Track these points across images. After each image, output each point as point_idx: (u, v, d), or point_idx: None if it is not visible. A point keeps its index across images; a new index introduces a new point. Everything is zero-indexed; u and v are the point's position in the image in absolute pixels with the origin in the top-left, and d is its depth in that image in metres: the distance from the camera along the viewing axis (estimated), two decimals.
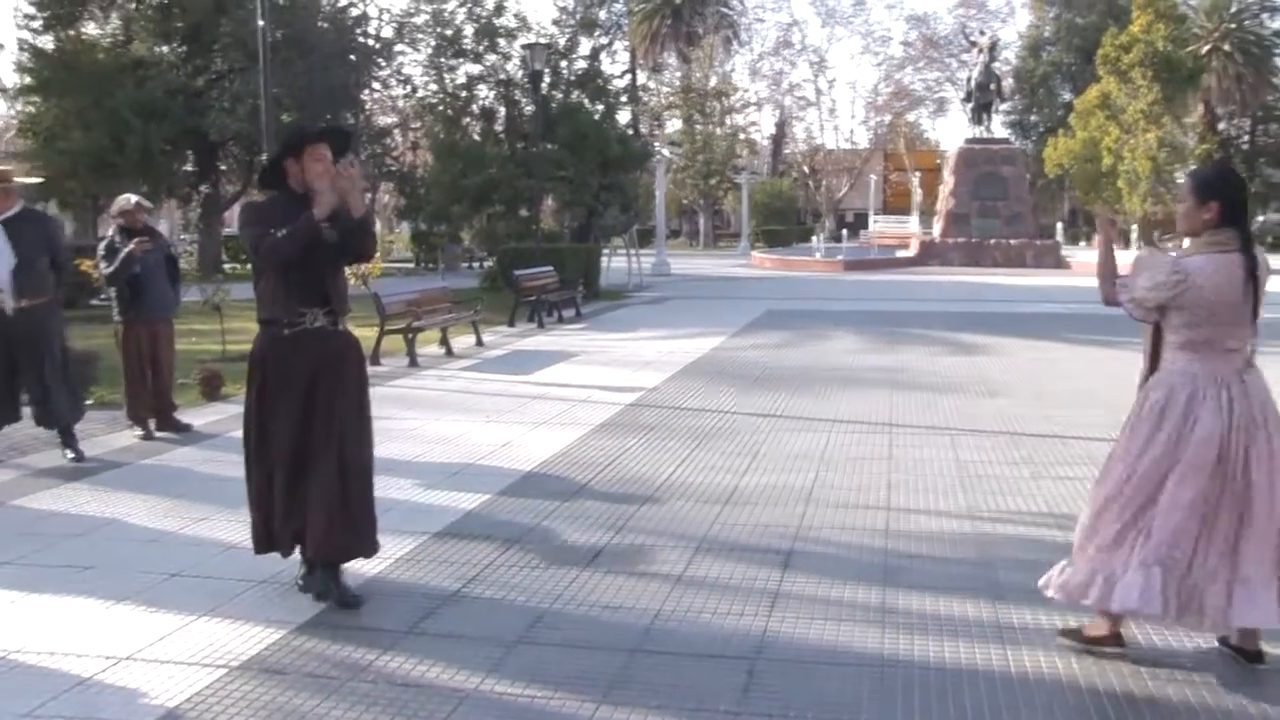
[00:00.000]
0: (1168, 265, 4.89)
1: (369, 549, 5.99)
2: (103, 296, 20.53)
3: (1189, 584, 4.79)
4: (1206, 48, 68.92)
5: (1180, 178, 53.83)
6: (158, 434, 10.53)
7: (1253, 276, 4.83)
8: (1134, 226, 61.96)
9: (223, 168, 43.33)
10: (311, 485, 5.77)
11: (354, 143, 48.41)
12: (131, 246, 10.07)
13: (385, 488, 8.34)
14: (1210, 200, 4.91)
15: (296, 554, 6.00)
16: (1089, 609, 5.10)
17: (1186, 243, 5.18)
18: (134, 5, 39.82)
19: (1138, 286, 4.97)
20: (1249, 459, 4.80)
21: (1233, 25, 71.47)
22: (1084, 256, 48.38)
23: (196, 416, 11.33)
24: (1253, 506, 4.79)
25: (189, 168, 41.80)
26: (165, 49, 39.44)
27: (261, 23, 15.30)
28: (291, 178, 5.92)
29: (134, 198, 10.64)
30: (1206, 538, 4.80)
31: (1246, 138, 76.33)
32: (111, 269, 10.20)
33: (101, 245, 10.60)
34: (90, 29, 41.01)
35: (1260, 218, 69.92)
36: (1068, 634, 5.23)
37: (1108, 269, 5.32)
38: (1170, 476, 4.84)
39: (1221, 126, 74.36)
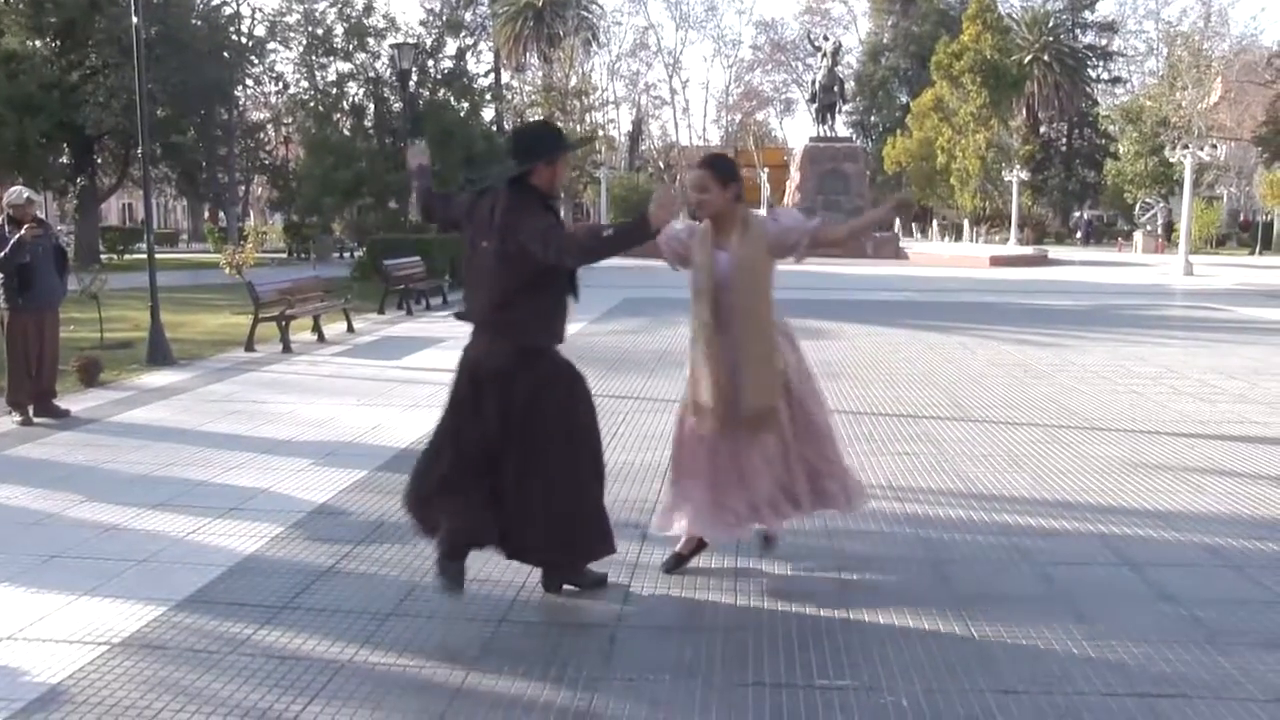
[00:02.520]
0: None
1: None
2: None
3: None
4: (1029, 57, 70.87)
5: (1008, 176, 55.39)
6: (36, 420, 10.26)
7: None
8: (965, 220, 63.57)
9: (99, 160, 42.11)
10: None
11: (229, 138, 47.54)
12: (21, 233, 9.99)
13: (262, 469, 8.26)
14: (731, 183, 5.42)
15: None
16: None
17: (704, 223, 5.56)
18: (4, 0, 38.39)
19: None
20: None
21: (1051, 38, 73.62)
22: (920, 248, 49.45)
23: (74, 403, 11.04)
24: None
25: (65, 160, 40.52)
26: (38, 43, 38.08)
27: (136, 19, 14.85)
28: (539, 180, 5.18)
29: (26, 192, 10.45)
30: None
31: (1064, 140, 78.67)
32: (2, 255, 10.05)
33: None
34: None
35: (1076, 213, 72.15)
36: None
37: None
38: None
39: (1043, 130, 76.52)
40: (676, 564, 5.88)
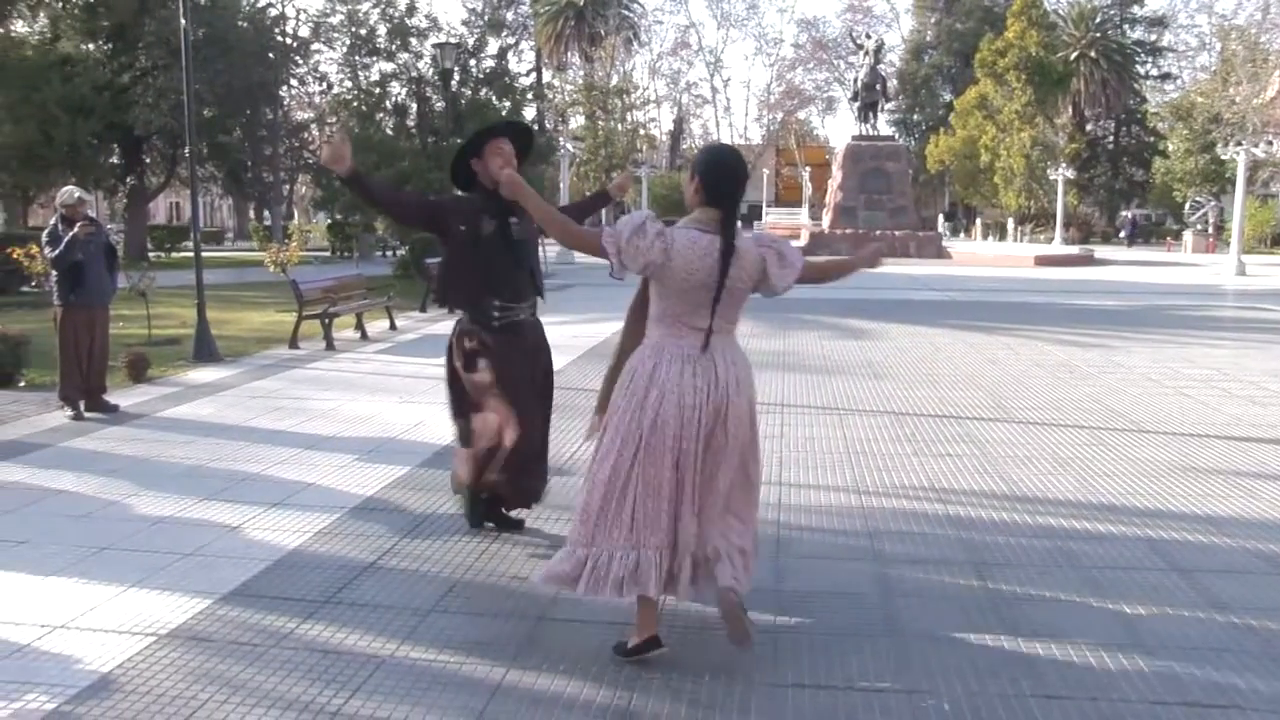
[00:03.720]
0: (656, 228, 4.52)
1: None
2: (33, 284, 20.18)
3: (675, 561, 4.61)
4: (1075, 54, 70.33)
5: (1053, 174, 54.94)
6: (87, 414, 10.40)
7: (724, 260, 4.49)
8: (1009, 219, 63.17)
9: (147, 160, 42.63)
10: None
11: (274, 137, 47.97)
12: (75, 231, 10.14)
13: (305, 465, 8.33)
14: (696, 175, 4.60)
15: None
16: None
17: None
18: (61, 4, 39.02)
19: (623, 238, 4.51)
20: (711, 435, 4.59)
21: (1098, 34, 73.01)
22: (963, 247, 49.14)
23: (124, 398, 11.17)
24: (714, 481, 4.64)
25: (115, 160, 41.06)
26: (91, 46, 38.73)
27: (184, 22, 15.03)
28: (480, 177, 6.04)
29: (78, 192, 10.66)
30: (675, 514, 4.59)
31: (1111, 138, 77.98)
32: (57, 253, 10.23)
33: (45, 233, 10.67)
34: (19, 27, 40.25)
35: (1124, 212, 71.49)
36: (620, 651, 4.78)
37: (553, 221, 4.80)
38: (636, 457, 4.57)
39: (1089, 127, 75.90)
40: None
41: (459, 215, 6.04)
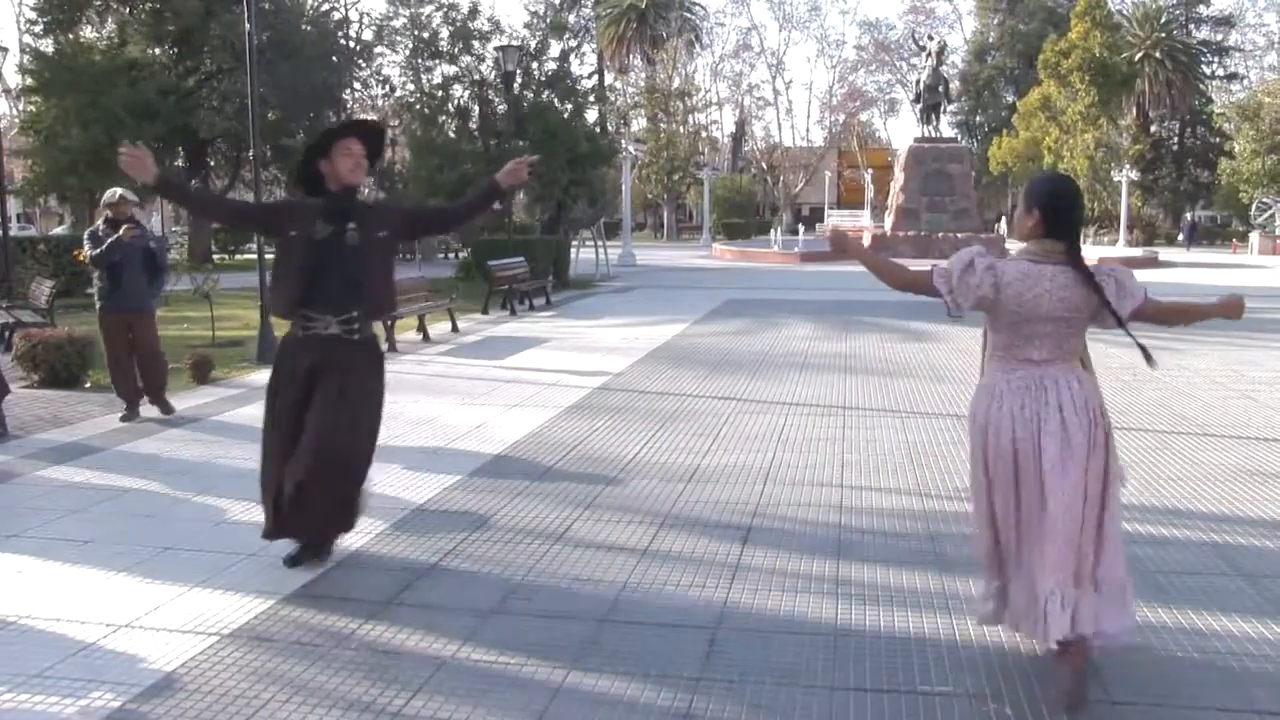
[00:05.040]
0: (985, 263, 4.45)
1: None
2: (89, 290, 20.50)
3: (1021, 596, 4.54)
4: (1139, 55, 69.42)
5: (1117, 176, 54.21)
6: (148, 416, 10.45)
7: (1093, 288, 4.47)
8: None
9: (212, 164, 43.12)
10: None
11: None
12: (119, 233, 10.01)
13: None
14: (1032, 208, 4.47)
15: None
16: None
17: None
18: (128, 9, 39.60)
19: (955, 276, 4.50)
20: (1044, 471, 4.40)
21: (1163, 34, 72.01)
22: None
23: (187, 399, 11.30)
24: (1045, 523, 4.38)
25: (180, 164, 41.59)
26: (157, 51, 39.25)
27: (248, 26, 15.21)
28: (328, 179, 5.75)
29: (119, 191, 10.54)
30: (1019, 549, 4.53)
31: (1176, 139, 76.94)
32: (96, 252, 10.11)
33: (86, 233, 10.57)
34: (87, 32, 40.88)
35: (1187, 215, 70.45)
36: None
37: (886, 268, 4.87)
38: (994, 496, 4.58)
39: (1154, 129, 74.90)
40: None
41: (294, 218, 5.76)
